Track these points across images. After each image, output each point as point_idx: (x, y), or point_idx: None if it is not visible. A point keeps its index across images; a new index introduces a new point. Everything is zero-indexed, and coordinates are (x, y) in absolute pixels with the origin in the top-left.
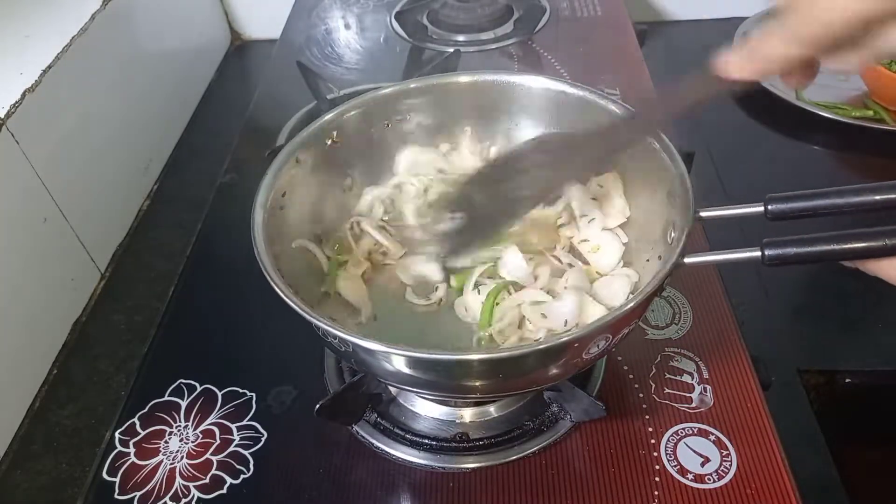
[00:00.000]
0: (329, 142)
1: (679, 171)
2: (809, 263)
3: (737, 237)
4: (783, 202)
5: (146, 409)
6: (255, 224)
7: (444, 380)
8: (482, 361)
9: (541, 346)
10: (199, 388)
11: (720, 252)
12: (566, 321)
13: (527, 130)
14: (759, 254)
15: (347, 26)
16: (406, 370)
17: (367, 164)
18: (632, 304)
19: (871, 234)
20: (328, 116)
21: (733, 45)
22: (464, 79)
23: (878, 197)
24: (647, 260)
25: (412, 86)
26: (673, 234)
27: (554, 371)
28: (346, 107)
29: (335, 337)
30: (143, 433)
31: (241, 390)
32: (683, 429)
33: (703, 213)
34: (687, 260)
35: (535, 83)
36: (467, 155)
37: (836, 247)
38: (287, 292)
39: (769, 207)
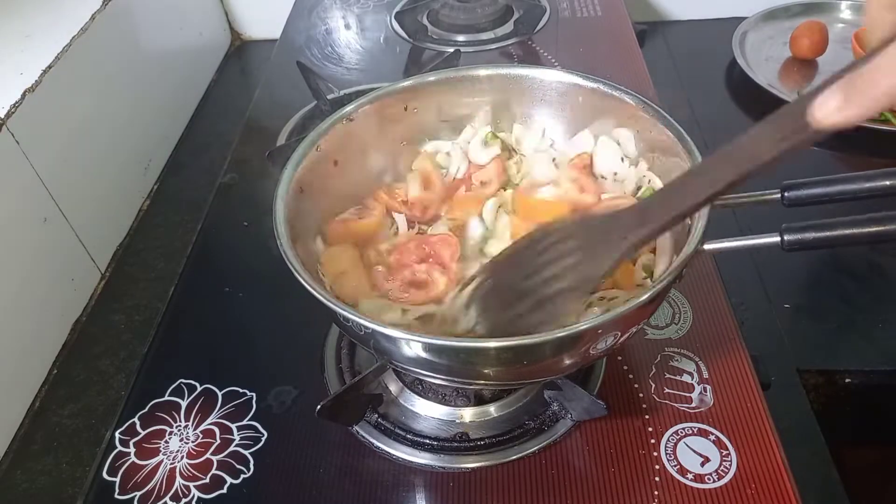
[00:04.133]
0: (345, 121)
1: (696, 160)
2: (828, 248)
3: (733, 232)
4: (799, 189)
5: (146, 409)
6: (277, 211)
7: (457, 365)
8: (498, 349)
9: (556, 335)
10: (199, 388)
11: (739, 238)
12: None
13: (540, 123)
14: (778, 239)
15: (347, 26)
16: (423, 355)
17: (384, 155)
18: (656, 290)
19: (887, 217)
20: (346, 109)
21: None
22: (480, 72)
23: (893, 182)
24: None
25: (430, 79)
26: (689, 222)
27: (566, 362)
28: (363, 100)
29: (354, 323)
30: (143, 433)
31: (241, 390)
32: (683, 429)
33: (720, 201)
34: (707, 247)
35: (549, 76)
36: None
37: (854, 231)
38: (308, 279)
39: (786, 194)
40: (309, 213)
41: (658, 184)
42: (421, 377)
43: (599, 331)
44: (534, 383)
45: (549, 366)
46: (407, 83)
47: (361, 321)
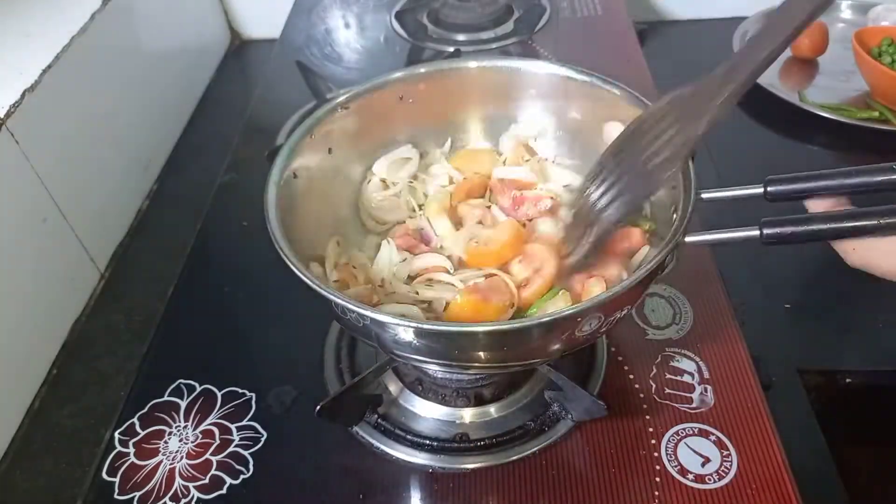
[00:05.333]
0: (340, 109)
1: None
2: (806, 242)
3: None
4: (782, 184)
5: (146, 410)
6: (269, 201)
7: (451, 350)
8: (486, 333)
9: (541, 320)
10: (198, 389)
11: (719, 231)
12: None
13: (533, 116)
14: (757, 233)
15: (347, 26)
16: (420, 341)
17: (379, 144)
18: (639, 276)
19: (864, 213)
20: (340, 98)
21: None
22: (471, 64)
23: (872, 179)
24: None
25: (421, 70)
26: (675, 215)
27: (553, 346)
28: (358, 90)
29: (353, 312)
30: (142, 433)
31: (240, 390)
32: (684, 429)
33: (705, 195)
34: (687, 239)
35: (542, 69)
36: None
37: (831, 226)
38: (303, 270)
39: (768, 189)
40: (302, 199)
41: None
42: (419, 364)
43: (579, 318)
44: (528, 366)
45: (539, 347)
46: (402, 73)
47: (356, 308)
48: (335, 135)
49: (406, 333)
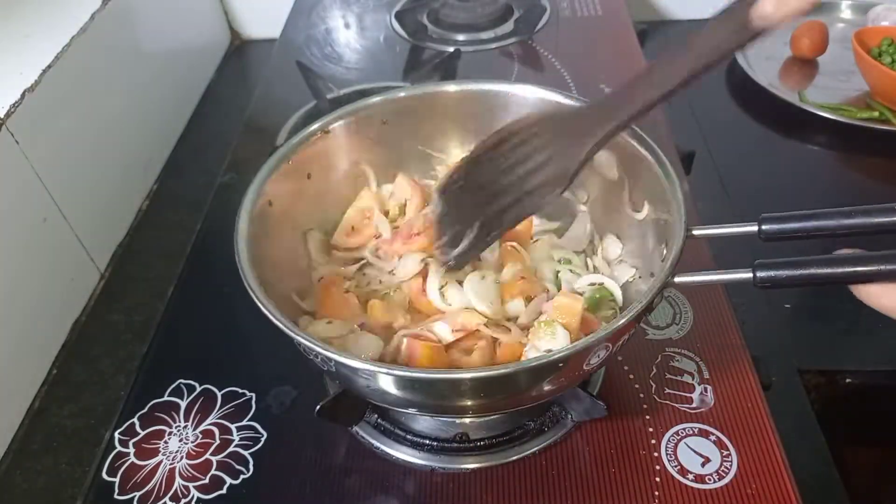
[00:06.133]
0: (320, 133)
1: (674, 190)
2: (801, 287)
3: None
4: (776, 223)
5: (146, 410)
6: (239, 233)
7: (436, 400)
8: (474, 380)
9: (533, 364)
10: (198, 389)
11: (711, 272)
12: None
13: None
14: (750, 275)
15: (347, 26)
16: (395, 390)
17: (361, 169)
18: (623, 322)
19: (864, 258)
20: (313, 127)
21: None
22: (455, 88)
23: (872, 220)
24: (640, 277)
25: (401, 94)
26: (664, 252)
27: (551, 387)
28: (331, 117)
29: (317, 354)
30: (142, 433)
31: (240, 390)
32: (684, 429)
33: (696, 232)
34: (677, 279)
35: (529, 93)
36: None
37: (828, 270)
38: (270, 307)
39: (763, 227)
40: (278, 227)
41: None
42: (406, 414)
43: (561, 363)
44: (520, 408)
45: (534, 393)
46: (385, 97)
47: (320, 350)
48: (315, 160)
49: (383, 381)
